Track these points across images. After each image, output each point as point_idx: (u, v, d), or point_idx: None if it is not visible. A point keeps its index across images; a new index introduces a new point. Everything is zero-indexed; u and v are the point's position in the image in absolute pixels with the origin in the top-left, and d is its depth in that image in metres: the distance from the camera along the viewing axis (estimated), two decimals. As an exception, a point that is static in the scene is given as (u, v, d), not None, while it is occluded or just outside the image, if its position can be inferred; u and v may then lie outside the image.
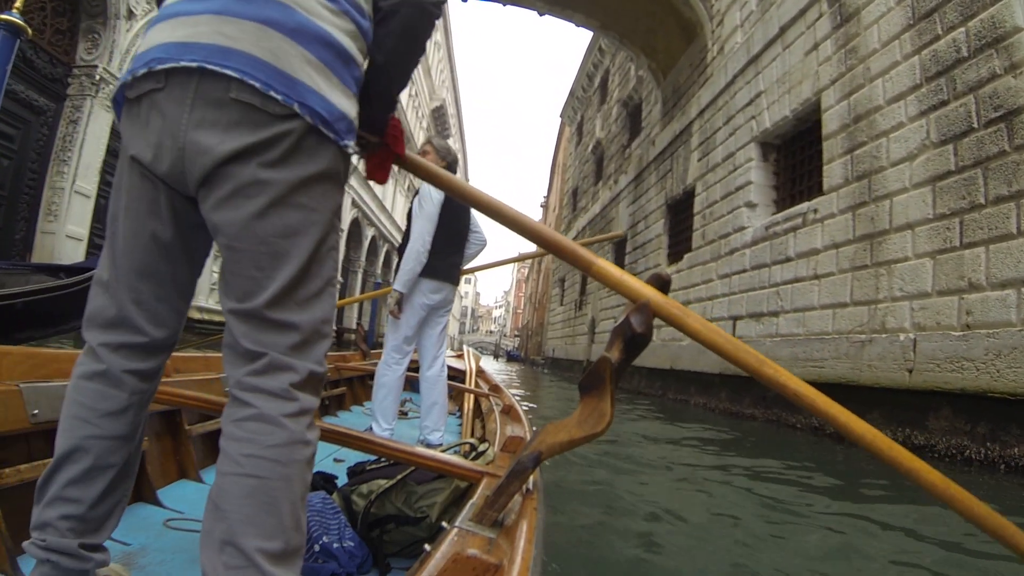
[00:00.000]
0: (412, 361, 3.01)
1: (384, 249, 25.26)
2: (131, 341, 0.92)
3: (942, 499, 0.90)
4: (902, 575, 2.22)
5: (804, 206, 6.91)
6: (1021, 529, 0.94)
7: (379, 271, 24.97)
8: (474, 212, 3.08)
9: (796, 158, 7.77)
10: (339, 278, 14.10)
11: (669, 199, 11.47)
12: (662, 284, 0.96)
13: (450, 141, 42.33)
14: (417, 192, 2.97)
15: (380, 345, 4.51)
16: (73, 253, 7.76)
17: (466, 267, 3.25)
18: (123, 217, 0.90)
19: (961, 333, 4.64)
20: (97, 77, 7.85)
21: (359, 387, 4.15)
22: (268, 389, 0.82)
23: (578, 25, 13.80)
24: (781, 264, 7.18)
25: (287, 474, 0.79)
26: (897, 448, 0.91)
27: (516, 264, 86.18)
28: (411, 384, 3.57)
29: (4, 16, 4.04)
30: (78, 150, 7.77)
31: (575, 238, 21.06)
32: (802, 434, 6.15)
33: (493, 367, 20.46)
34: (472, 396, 3.59)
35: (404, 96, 25.66)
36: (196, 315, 9.94)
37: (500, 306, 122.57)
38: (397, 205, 27.07)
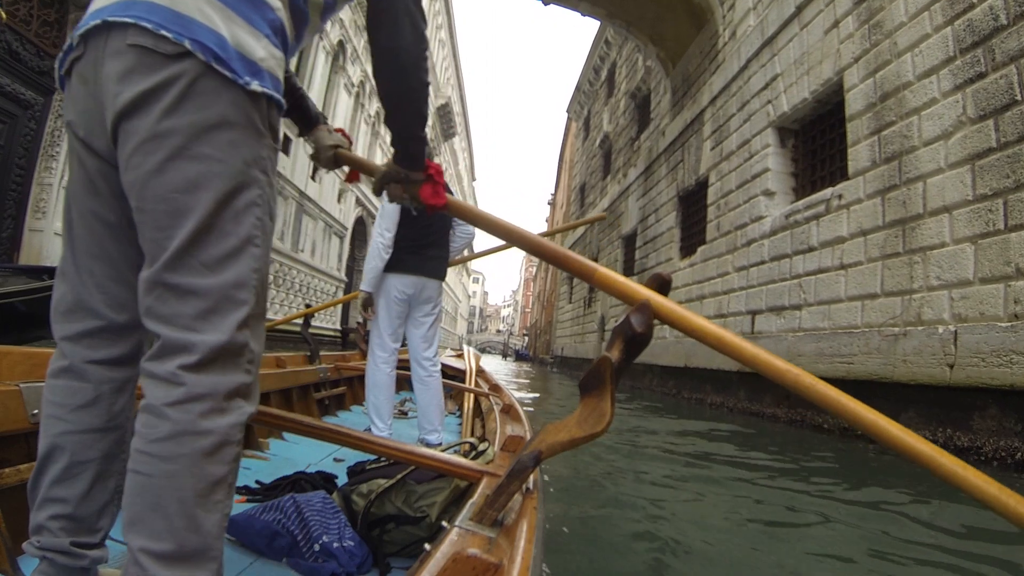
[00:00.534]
0: (406, 360, 2.96)
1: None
2: (90, 327, 0.90)
3: (994, 509, 0.75)
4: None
5: (827, 192, 6.51)
6: None
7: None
8: None
9: (816, 143, 7.36)
10: (279, 242, 13.61)
11: (681, 191, 11.08)
12: (661, 285, 0.95)
13: (456, 139, 42.08)
14: None
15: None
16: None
17: (457, 257, 3.16)
18: (72, 200, 0.90)
19: (1009, 324, 4.24)
20: (86, 70, 7.58)
21: (359, 387, 4.05)
22: (156, 374, 0.77)
23: (584, 14, 13.43)
24: (803, 254, 6.78)
25: (171, 471, 0.73)
26: (933, 449, 0.80)
27: (524, 263, 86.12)
28: (410, 383, 3.47)
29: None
30: (66, 145, 7.51)
31: (580, 234, 20.79)
32: (829, 436, 5.76)
33: (502, 367, 20.22)
34: (472, 395, 3.56)
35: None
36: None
37: (508, 305, 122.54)
38: (403, 204, 26.78)
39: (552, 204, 44.51)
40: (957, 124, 4.93)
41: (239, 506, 1.58)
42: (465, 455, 1.72)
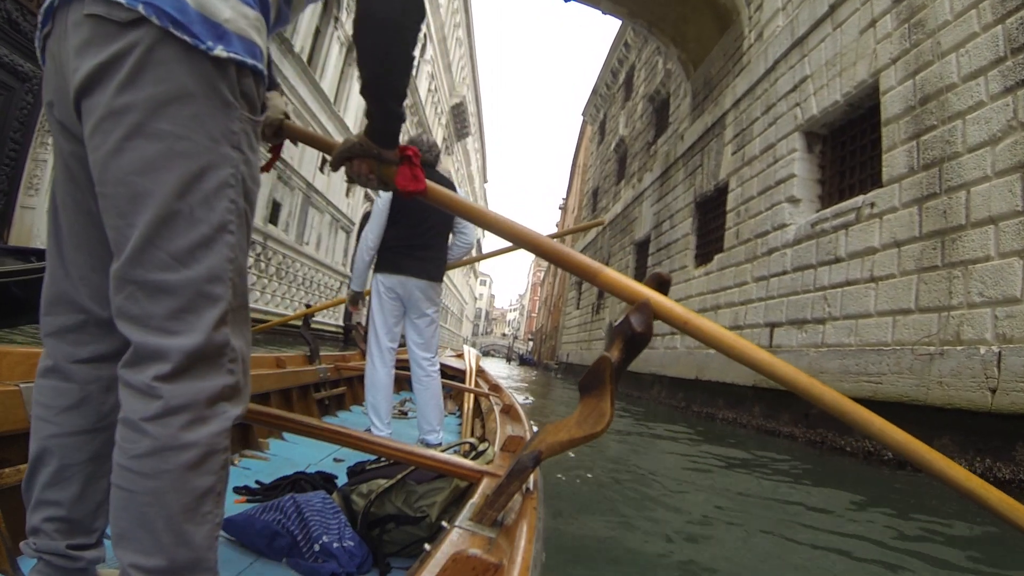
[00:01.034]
0: (406, 360, 2.95)
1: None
2: (73, 321, 0.86)
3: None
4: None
5: (858, 200, 6.13)
6: None
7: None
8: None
9: (846, 148, 6.99)
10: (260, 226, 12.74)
11: (698, 196, 10.71)
12: (661, 284, 0.94)
13: (469, 140, 41.89)
14: None
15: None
16: (57, 232, 7.26)
17: (456, 261, 3.13)
18: (55, 187, 0.87)
19: (1063, 347, 3.86)
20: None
21: (359, 387, 4.03)
22: (131, 384, 0.72)
23: (605, 12, 13.11)
24: (829, 265, 6.40)
25: (157, 487, 0.70)
26: (973, 479, 0.80)
27: (532, 267, 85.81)
28: (410, 384, 3.53)
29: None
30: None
31: (590, 239, 20.43)
32: (852, 459, 5.38)
33: (504, 372, 19.89)
34: (472, 396, 3.57)
35: (423, 91, 25.19)
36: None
37: (515, 309, 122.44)
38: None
39: (563, 208, 44.19)
40: (1007, 129, 4.56)
41: (239, 506, 1.57)
42: (465, 455, 1.72)
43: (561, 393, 12.86)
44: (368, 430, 2.37)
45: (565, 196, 43.29)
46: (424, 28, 24.84)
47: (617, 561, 2.12)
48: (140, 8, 0.69)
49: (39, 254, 4.14)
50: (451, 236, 3.01)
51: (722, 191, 9.75)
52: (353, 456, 2.12)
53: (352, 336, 15.58)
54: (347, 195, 18.20)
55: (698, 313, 0.96)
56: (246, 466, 2.04)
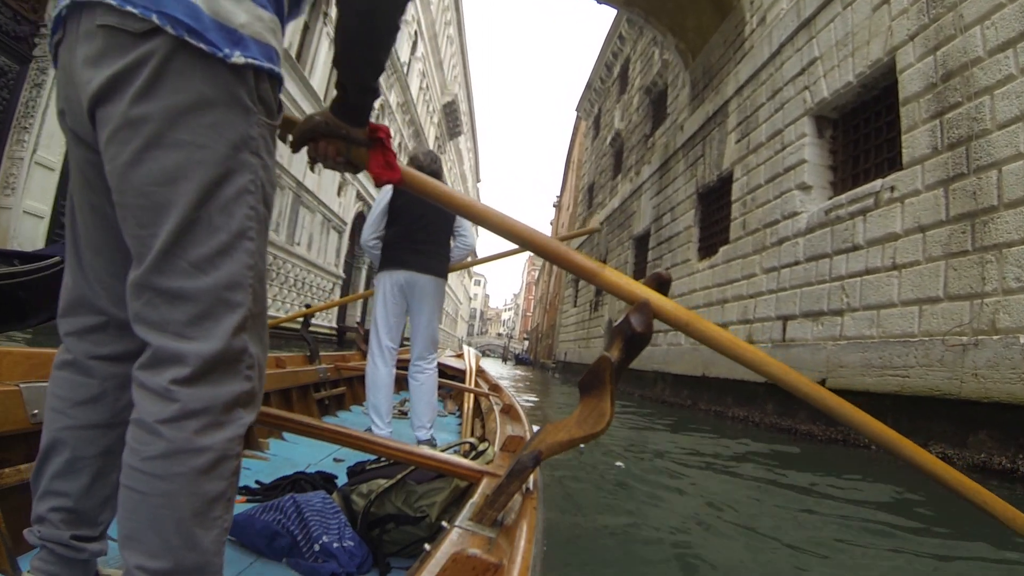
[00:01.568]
0: (406, 360, 2.95)
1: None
2: (92, 323, 0.86)
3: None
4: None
5: (876, 184, 5.84)
6: None
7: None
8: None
9: (860, 132, 6.70)
10: (279, 236, 12.85)
11: (700, 187, 10.42)
12: (661, 284, 0.94)
13: (461, 139, 41.53)
14: None
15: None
16: (32, 232, 6.90)
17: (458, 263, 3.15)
18: (72, 192, 0.86)
19: (1115, 334, 3.58)
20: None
21: (359, 387, 4.02)
22: (147, 386, 0.71)
23: (600, 2, 12.82)
24: (846, 253, 6.11)
25: (169, 490, 0.69)
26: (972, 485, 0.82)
27: (527, 267, 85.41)
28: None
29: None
30: (41, 116, 6.92)
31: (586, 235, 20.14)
32: (877, 454, 5.09)
33: (502, 373, 19.59)
34: (472, 395, 3.58)
35: (414, 90, 24.83)
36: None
37: (509, 309, 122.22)
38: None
39: (558, 207, 43.90)
40: (1041, 103, 4.28)
41: (239, 506, 1.53)
42: (465, 455, 1.71)
43: (561, 395, 12.56)
44: (368, 430, 2.38)
45: (559, 193, 43.00)
46: (414, 25, 24.51)
47: (617, 561, 2.13)
48: (154, 18, 0.69)
49: (21, 256, 3.81)
50: (452, 239, 3.04)
51: (726, 181, 9.46)
52: (353, 456, 2.13)
53: (346, 338, 15.22)
54: (339, 194, 17.82)
55: (704, 308, 0.64)
56: (246, 466, 2.04)
